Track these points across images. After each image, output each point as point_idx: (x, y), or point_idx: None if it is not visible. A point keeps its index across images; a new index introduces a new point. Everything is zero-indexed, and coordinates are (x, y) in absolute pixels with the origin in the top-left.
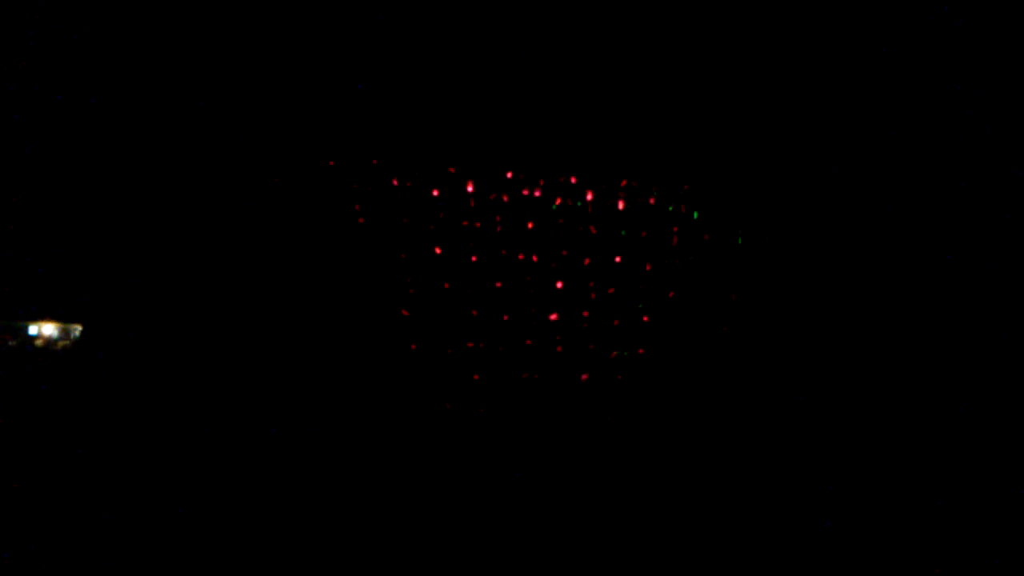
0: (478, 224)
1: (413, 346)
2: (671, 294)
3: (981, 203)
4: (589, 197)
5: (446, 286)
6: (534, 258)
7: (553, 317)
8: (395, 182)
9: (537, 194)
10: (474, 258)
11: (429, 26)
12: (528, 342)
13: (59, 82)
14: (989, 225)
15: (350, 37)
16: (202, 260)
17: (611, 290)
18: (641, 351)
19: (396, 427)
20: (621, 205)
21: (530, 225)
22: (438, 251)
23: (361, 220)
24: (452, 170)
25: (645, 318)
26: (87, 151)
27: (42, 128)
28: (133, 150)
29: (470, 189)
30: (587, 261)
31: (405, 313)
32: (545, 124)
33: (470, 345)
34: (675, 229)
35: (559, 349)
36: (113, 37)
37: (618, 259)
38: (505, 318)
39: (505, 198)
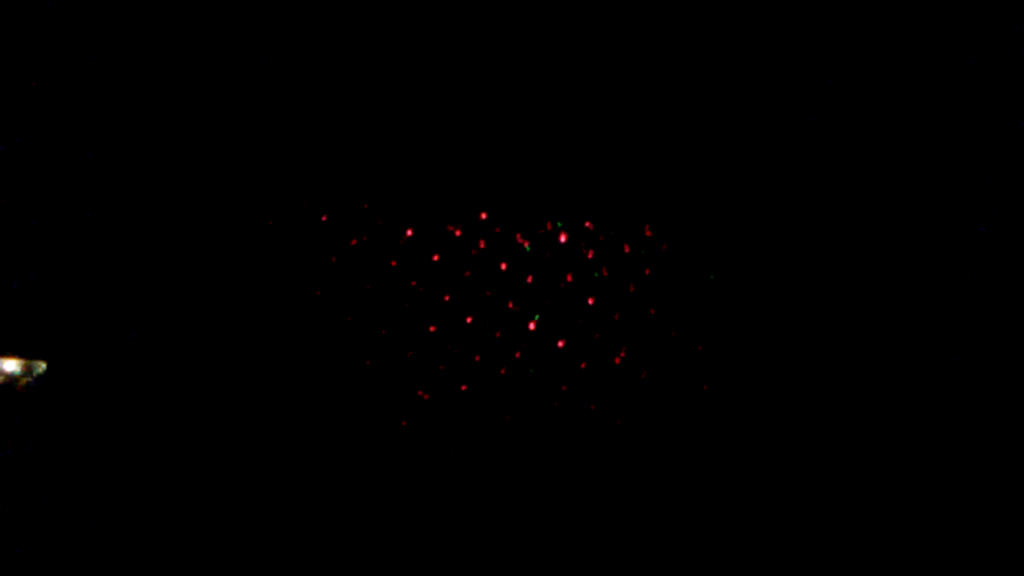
0: (468, 272)
1: (404, 422)
2: (652, 311)
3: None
4: (563, 239)
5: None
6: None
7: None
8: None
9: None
10: (447, 297)
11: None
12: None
13: (22, 104)
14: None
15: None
16: (181, 294)
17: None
18: (643, 373)
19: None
20: (591, 253)
21: (503, 266)
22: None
23: (334, 259)
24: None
25: (621, 355)
26: (60, 171)
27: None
28: (108, 171)
29: (451, 230)
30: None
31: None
32: (519, 166)
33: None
34: (647, 271)
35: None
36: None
37: (591, 300)
38: (477, 358)
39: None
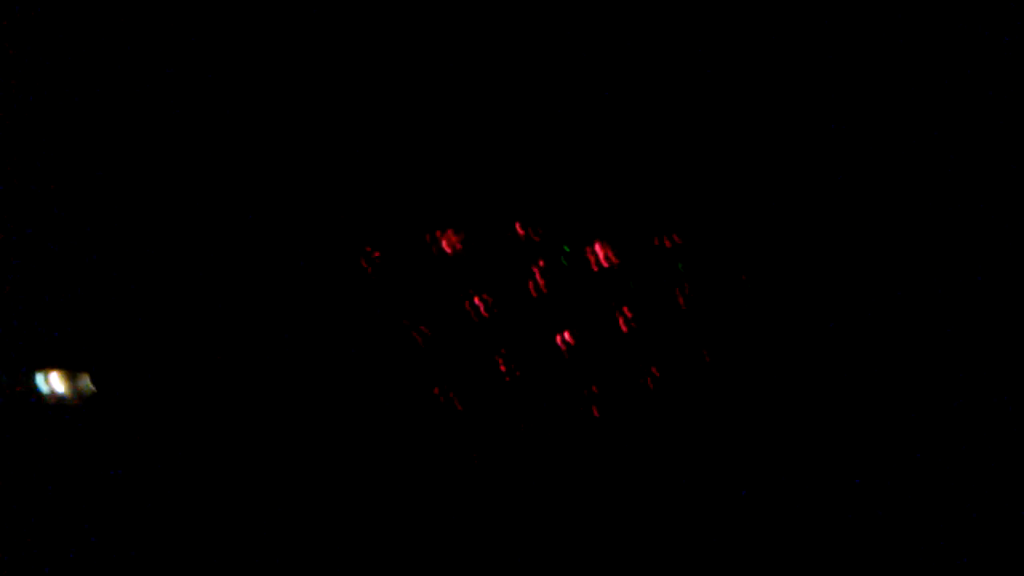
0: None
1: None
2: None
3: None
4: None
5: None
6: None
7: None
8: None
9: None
10: (485, 313)
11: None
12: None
13: (57, 117)
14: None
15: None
16: (228, 313)
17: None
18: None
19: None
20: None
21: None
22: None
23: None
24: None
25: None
26: (102, 188)
27: (45, 162)
28: (150, 189)
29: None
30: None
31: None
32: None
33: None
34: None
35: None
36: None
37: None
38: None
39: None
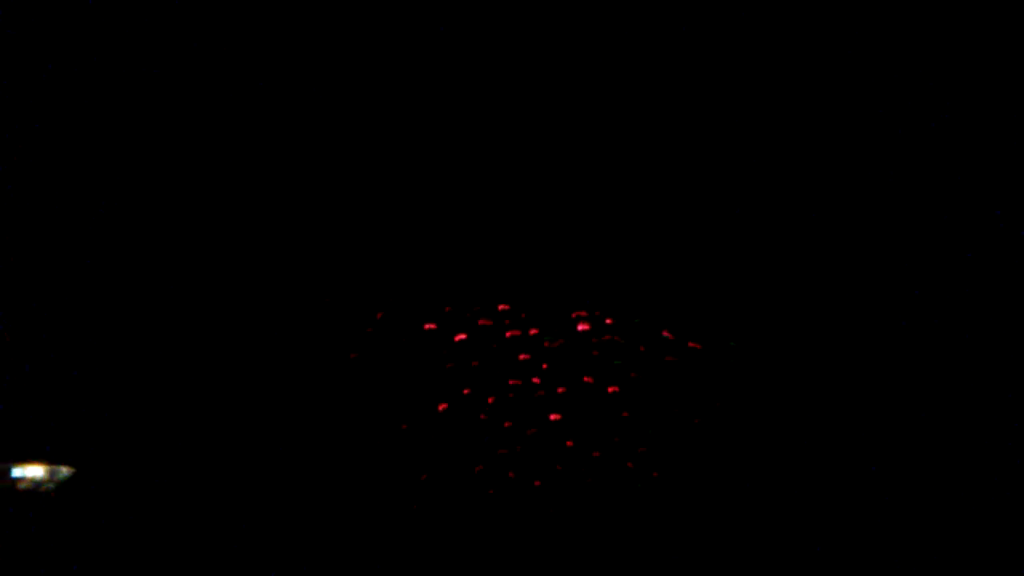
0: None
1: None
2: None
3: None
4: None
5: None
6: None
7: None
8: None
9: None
10: (466, 391)
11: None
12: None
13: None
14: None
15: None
16: (203, 397)
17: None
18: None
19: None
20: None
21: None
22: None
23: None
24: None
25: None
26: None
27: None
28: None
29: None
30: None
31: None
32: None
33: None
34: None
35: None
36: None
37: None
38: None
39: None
